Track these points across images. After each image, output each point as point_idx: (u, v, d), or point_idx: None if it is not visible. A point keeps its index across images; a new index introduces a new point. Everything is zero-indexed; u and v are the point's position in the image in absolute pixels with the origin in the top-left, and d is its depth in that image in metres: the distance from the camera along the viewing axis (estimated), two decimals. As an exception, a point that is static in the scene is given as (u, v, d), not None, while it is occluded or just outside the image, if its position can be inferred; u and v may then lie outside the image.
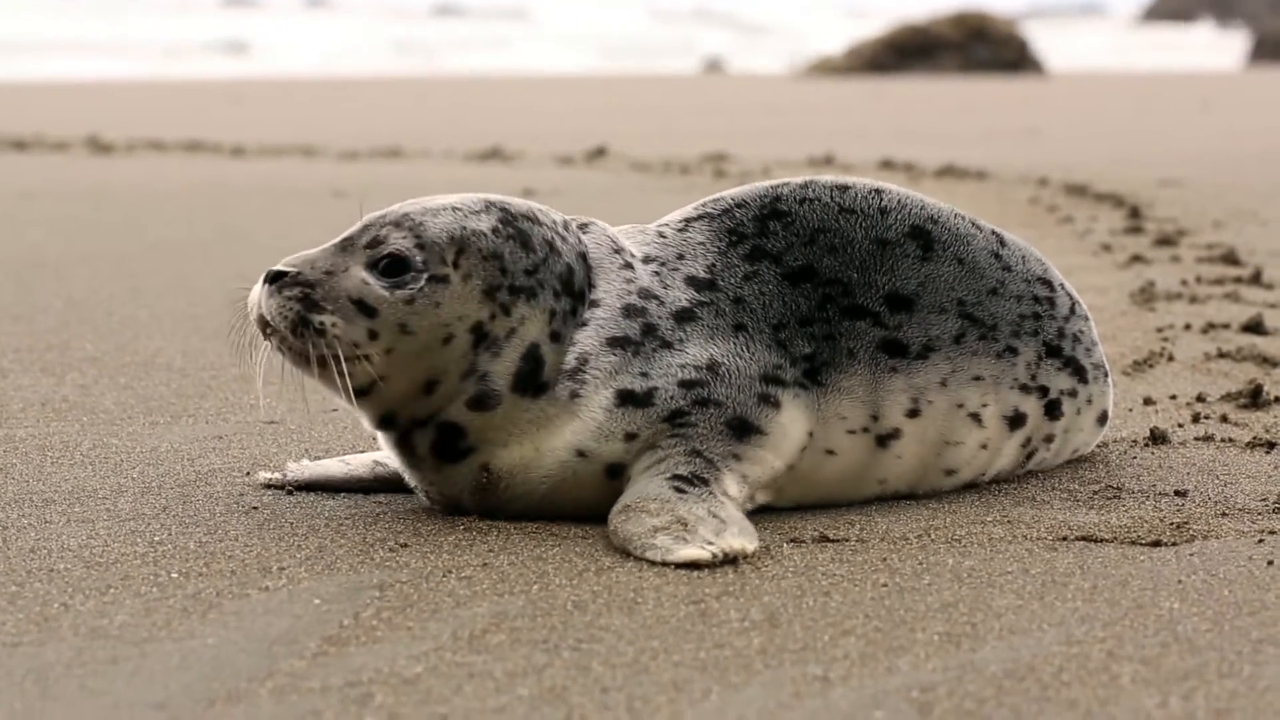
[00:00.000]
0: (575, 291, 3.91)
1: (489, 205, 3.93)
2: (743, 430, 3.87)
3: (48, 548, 3.72)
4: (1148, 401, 5.17)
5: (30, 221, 10.04)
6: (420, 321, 3.81)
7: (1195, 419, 4.92)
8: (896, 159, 13.32)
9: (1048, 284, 4.31)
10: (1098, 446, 4.57)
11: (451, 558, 3.65)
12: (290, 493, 4.20)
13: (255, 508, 4.05)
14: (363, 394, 3.83)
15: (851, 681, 2.98)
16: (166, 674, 3.01)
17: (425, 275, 3.81)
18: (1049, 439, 4.30)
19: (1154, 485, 4.25)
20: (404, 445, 3.91)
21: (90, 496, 4.14)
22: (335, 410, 5.11)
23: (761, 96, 25.59)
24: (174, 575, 3.54)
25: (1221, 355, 5.83)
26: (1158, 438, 4.67)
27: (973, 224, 4.26)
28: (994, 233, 4.30)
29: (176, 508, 4.04)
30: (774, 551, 3.70)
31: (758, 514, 3.93)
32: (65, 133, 16.56)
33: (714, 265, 4.02)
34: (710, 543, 3.60)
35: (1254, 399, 5.10)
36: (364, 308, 3.79)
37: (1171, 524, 3.90)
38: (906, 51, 34.82)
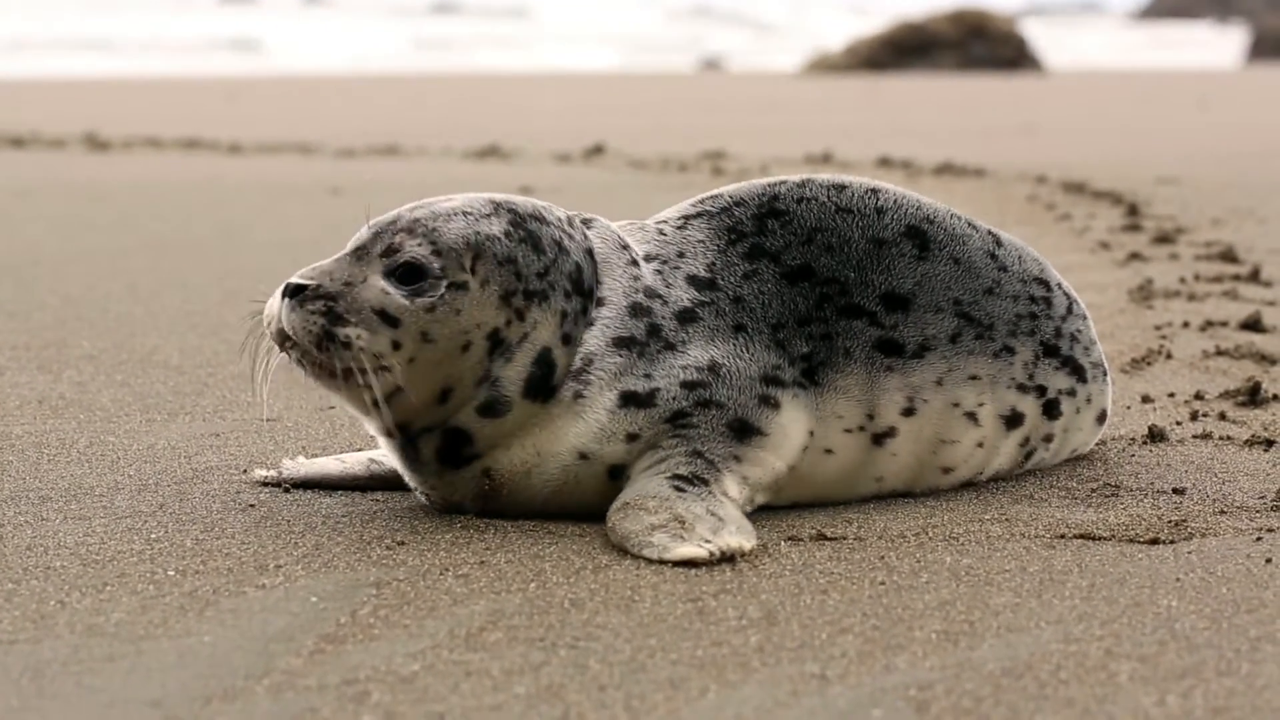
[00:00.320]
0: (585, 290, 3.89)
1: (497, 207, 3.89)
2: (743, 432, 3.87)
3: (44, 545, 3.72)
4: (1146, 399, 5.16)
5: (27, 219, 10.03)
6: (441, 329, 3.77)
7: (1193, 417, 4.92)
8: (894, 157, 13.31)
9: (1044, 284, 4.31)
10: (1096, 444, 4.56)
11: (448, 556, 3.65)
12: (287, 490, 4.19)
13: (252, 505, 4.05)
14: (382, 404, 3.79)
15: (849, 679, 2.98)
16: (163, 671, 3.01)
17: (444, 282, 3.77)
18: (1048, 438, 4.30)
19: (1152, 483, 4.24)
20: (408, 450, 3.89)
21: (87, 494, 4.14)
22: (333, 408, 5.10)
23: (759, 94, 25.58)
24: (171, 573, 3.53)
25: (1220, 353, 5.83)
26: (1156, 435, 4.67)
27: (969, 224, 4.26)
28: (990, 233, 4.29)
29: (173, 505, 4.04)
30: (771, 550, 3.69)
31: (755, 512, 3.93)
32: (62, 130, 16.54)
33: (714, 264, 4.02)
34: (707, 541, 3.59)
35: (1252, 397, 5.09)
36: (386, 318, 3.75)
37: (1169, 522, 3.90)
38: (905, 49, 34.82)
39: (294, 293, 3.75)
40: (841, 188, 4.18)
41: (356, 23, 54.04)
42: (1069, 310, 4.34)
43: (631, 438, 3.83)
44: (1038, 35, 39.03)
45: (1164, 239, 8.75)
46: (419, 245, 3.78)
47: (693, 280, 3.98)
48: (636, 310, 3.90)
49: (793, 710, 2.86)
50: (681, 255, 4.02)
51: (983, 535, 3.83)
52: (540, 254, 3.84)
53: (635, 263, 3.96)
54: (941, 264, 4.14)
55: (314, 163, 13.83)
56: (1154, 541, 3.76)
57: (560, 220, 3.94)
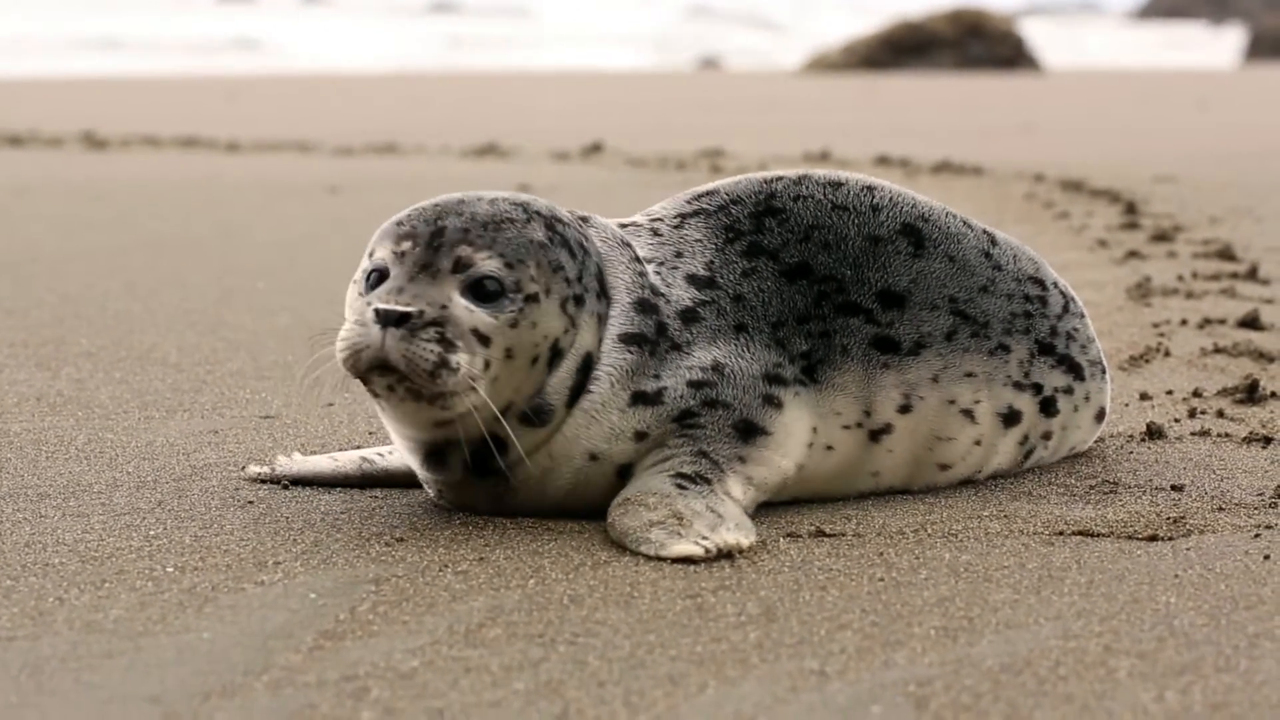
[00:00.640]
0: (606, 291, 3.86)
1: (527, 210, 3.81)
2: (748, 432, 3.86)
3: (43, 542, 3.72)
4: (1144, 397, 5.17)
5: (26, 217, 10.03)
6: (521, 344, 3.71)
7: (1191, 414, 4.92)
8: (892, 155, 13.31)
9: (1040, 283, 4.31)
10: (1094, 441, 4.56)
11: (447, 552, 3.64)
12: (286, 487, 4.19)
13: (251, 502, 4.05)
14: (450, 423, 3.72)
15: (848, 676, 2.98)
16: (162, 668, 3.01)
17: (521, 295, 3.70)
18: (1046, 436, 4.30)
19: (1150, 480, 4.24)
20: (434, 458, 3.83)
21: (85, 491, 4.14)
22: (331, 405, 5.10)
23: (758, 93, 25.58)
24: (169, 570, 3.53)
25: (1218, 350, 5.83)
26: (1154, 433, 4.67)
27: (964, 222, 4.27)
28: (985, 232, 4.30)
29: (172, 502, 4.04)
30: (770, 546, 3.69)
31: (754, 509, 3.92)
32: (60, 128, 16.54)
33: (712, 262, 4.01)
34: (705, 538, 3.59)
35: (1250, 394, 5.10)
36: (480, 338, 3.65)
37: (1168, 519, 3.90)
38: (903, 48, 34.82)
39: (399, 321, 3.59)
40: (837, 185, 4.18)
41: (356, 22, 54.03)
42: (1065, 309, 4.34)
43: (640, 436, 3.83)
44: (1036, 35, 39.03)
45: (1162, 237, 8.75)
46: (489, 259, 3.69)
47: (692, 279, 3.97)
48: (643, 307, 3.88)
49: (792, 706, 2.86)
50: (679, 255, 4.02)
51: (981, 532, 3.83)
52: (573, 257, 3.80)
53: (638, 260, 3.95)
54: (937, 261, 4.14)
55: (312, 161, 13.82)
56: (1152, 538, 3.76)
57: (573, 220, 3.90)
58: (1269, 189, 11.17)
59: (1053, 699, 2.88)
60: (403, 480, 4.17)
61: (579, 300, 3.78)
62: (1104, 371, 4.44)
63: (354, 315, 3.65)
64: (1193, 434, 4.69)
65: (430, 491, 3.96)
